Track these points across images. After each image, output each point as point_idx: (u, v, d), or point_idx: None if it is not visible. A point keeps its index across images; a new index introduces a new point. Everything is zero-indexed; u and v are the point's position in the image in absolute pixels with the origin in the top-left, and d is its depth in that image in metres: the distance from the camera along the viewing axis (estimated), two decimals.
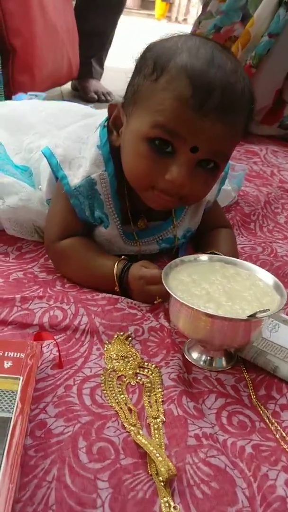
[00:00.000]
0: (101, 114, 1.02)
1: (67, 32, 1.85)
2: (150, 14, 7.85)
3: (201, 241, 0.88)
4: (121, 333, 0.66)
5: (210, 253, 0.76)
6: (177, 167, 0.65)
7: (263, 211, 1.11)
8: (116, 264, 0.73)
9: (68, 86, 2.24)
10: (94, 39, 2.00)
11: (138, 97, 0.67)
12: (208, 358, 0.64)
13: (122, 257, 0.76)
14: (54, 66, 1.82)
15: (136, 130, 0.67)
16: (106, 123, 0.76)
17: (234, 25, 1.68)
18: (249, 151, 1.54)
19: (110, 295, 0.73)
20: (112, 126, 0.74)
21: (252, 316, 0.56)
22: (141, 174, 0.69)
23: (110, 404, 0.56)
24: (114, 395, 0.57)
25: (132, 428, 0.53)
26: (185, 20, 8.86)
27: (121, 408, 0.56)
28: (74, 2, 2.03)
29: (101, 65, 2.18)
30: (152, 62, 0.65)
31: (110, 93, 2.17)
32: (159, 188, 0.68)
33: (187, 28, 2.09)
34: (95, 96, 2.08)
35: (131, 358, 0.63)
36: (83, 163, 0.76)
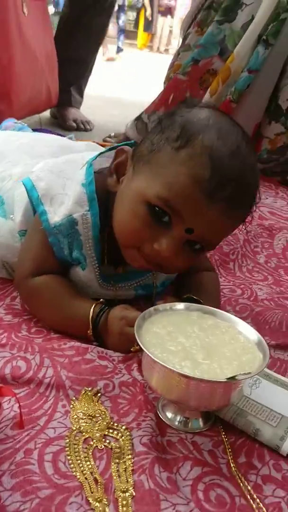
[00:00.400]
0: (79, 146, 0.99)
1: (46, 59, 1.83)
2: (133, 43, 7.99)
3: (182, 284, 0.83)
4: (90, 388, 0.61)
5: (187, 298, 0.72)
6: (168, 241, 0.63)
7: (242, 250, 1.08)
8: (93, 307, 0.69)
9: (47, 113, 2.21)
10: (74, 67, 1.99)
11: (153, 157, 0.64)
12: (184, 418, 0.59)
13: (100, 300, 0.71)
14: (33, 93, 1.79)
15: (140, 189, 0.65)
16: (93, 161, 0.74)
17: (213, 58, 1.69)
18: None
19: (79, 344, 0.67)
20: (114, 170, 0.71)
21: (232, 378, 0.51)
22: (131, 233, 0.67)
23: (74, 473, 0.50)
24: (79, 461, 0.52)
25: (98, 504, 0.47)
26: (166, 50, 9.06)
27: (86, 478, 0.50)
28: (54, 30, 2.02)
29: (81, 93, 2.16)
30: (180, 128, 0.63)
31: (89, 122, 2.15)
32: (143, 251, 0.66)
33: (169, 58, 2.09)
34: (74, 125, 2.06)
35: (100, 417, 0.57)
36: (66, 200, 0.72)
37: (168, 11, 10.03)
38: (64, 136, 1.84)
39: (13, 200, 0.82)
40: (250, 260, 1.06)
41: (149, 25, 8.00)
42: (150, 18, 7.72)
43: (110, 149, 0.77)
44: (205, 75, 1.72)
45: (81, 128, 2.08)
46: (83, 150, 0.93)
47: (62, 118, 2.08)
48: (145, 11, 8.04)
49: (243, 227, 0.71)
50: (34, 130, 1.73)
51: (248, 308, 0.85)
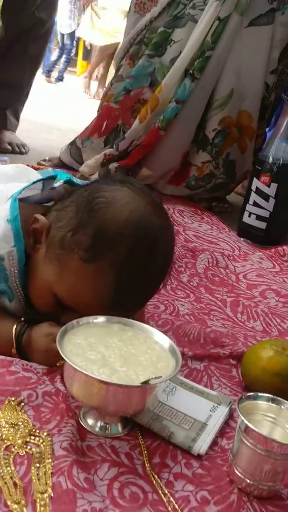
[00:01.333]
0: (8, 169, 1.01)
1: None
2: (72, 71, 8.10)
3: None
4: (13, 398, 0.63)
5: None
6: (72, 316, 0.67)
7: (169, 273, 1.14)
8: (15, 326, 0.71)
9: None
10: (9, 91, 2.01)
11: (64, 257, 0.68)
12: (103, 424, 0.62)
13: (22, 319, 0.73)
14: None
15: (49, 282, 0.69)
16: (18, 196, 0.74)
17: (143, 88, 1.79)
18: None
19: (4, 357, 0.69)
20: (31, 232, 0.72)
21: (146, 382, 0.56)
22: (39, 306, 0.73)
23: None
24: None
25: (16, 506, 0.49)
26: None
27: (5, 483, 0.52)
28: None
29: (17, 117, 2.18)
30: (92, 239, 0.66)
31: (25, 145, 2.17)
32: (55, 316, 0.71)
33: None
34: (9, 147, 2.07)
35: (22, 425, 0.60)
36: None
37: None
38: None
39: None
40: (174, 279, 1.12)
41: (88, 54, 8.14)
42: (89, 47, 7.86)
43: (34, 183, 0.79)
44: (136, 105, 1.81)
45: (16, 151, 2.10)
46: (12, 173, 0.95)
47: None
48: (84, 40, 8.19)
49: None
50: None
51: (170, 322, 0.90)
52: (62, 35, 6.86)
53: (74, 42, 7.23)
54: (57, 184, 0.78)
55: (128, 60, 1.82)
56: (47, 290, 0.70)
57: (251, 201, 1.55)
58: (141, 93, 1.79)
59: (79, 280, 0.66)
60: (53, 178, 0.79)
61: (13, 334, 0.70)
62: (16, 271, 0.72)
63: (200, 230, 1.49)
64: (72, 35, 6.93)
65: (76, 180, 0.81)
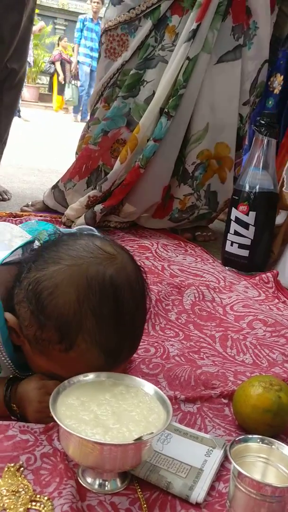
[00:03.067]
0: None
1: None
2: (48, 106, 8.24)
3: None
4: (12, 464, 0.64)
5: None
6: None
7: (154, 310, 1.17)
8: (5, 387, 0.73)
9: None
10: None
11: (45, 351, 0.70)
12: (102, 481, 0.64)
13: (10, 376, 0.75)
14: None
15: (44, 366, 0.72)
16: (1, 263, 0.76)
17: (121, 129, 1.84)
18: (141, 246, 1.62)
19: (1, 422, 0.71)
20: (10, 329, 0.73)
21: (139, 439, 0.58)
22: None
23: None
24: None
25: None
26: (80, 110, 9.35)
27: None
28: None
29: None
30: (55, 330, 0.68)
31: (7, 191, 2.21)
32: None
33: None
34: None
35: (23, 492, 0.61)
36: None
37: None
38: None
39: None
40: (162, 318, 1.15)
41: (62, 89, 8.31)
42: (63, 82, 8.02)
43: (12, 252, 0.79)
44: (114, 144, 1.87)
45: None
46: None
47: None
48: (58, 75, 8.37)
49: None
50: None
51: (160, 366, 0.93)
52: None
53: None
54: (36, 246, 0.80)
55: (103, 103, 1.88)
56: (45, 370, 0.73)
57: (232, 231, 1.59)
58: (119, 133, 1.85)
59: (70, 364, 0.69)
60: (32, 242, 0.82)
61: (3, 394, 0.72)
62: (0, 344, 0.73)
63: (185, 264, 1.52)
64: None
65: (56, 231, 0.83)
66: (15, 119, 2.24)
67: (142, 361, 0.94)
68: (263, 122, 1.58)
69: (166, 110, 1.75)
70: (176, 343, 1.04)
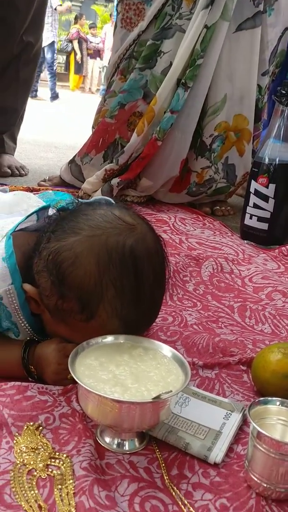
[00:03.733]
0: (6, 198, 1.03)
1: None
2: (65, 85, 8.18)
3: None
4: (31, 423, 0.65)
5: None
6: None
7: (172, 280, 1.16)
8: (22, 349, 0.73)
9: None
10: (5, 116, 2.05)
11: (65, 320, 0.71)
12: (120, 441, 0.64)
13: (27, 339, 0.75)
14: None
15: (64, 335, 0.73)
16: (11, 234, 0.76)
17: (137, 101, 1.82)
18: (159, 220, 1.61)
19: (20, 383, 0.71)
20: (29, 299, 0.74)
21: (157, 398, 0.58)
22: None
23: (19, 503, 0.54)
24: (23, 492, 0.56)
25: None
26: (97, 90, 9.30)
27: (30, 506, 0.54)
28: None
29: (14, 140, 2.23)
30: (76, 300, 0.68)
31: (24, 167, 2.21)
32: None
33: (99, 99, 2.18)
34: (9, 171, 2.11)
35: (42, 449, 0.62)
36: None
37: (97, 53, 10.41)
38: (0, 184, 1.90)
39: None
40: (180, 289, 1.14)
41: (79, 68, 8.22)
42: (80, 61, 7.94)
43: (27, 217, 0.80)
44: (131, 117, 1.84)
45: (15, 174, 2.14)
46: (10, 202, 0.97)
47: None
48: (75, 54, 8.28)
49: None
50: None
51: (178, 334, 0.92)
52: (42, 48, 6.96)
53: (55, 54, 7.27)
54: (51, 213, 0.80)
55: (119, 75, 1.86)
56: (65, 339, 0.73)
57: (251, 203, 1.56)
58: (135, 106, 1.82)
59: (91, 333, 0.69)
60: (46, 208, 0.81)
61: (22, 356, 0.73)
62: (18, 307, 0.73)
63: (203, 237, 1.50)
64: (52, 47, 6.97)
65: (72, 201, 0.83)
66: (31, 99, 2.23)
67: (160, 329, 0.94)
68: (284, 92, 1.54)
69: (183, 81, 1.71)
70: (194, 313, 1.04)
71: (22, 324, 0.76)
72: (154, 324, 0.94)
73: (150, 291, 0.72)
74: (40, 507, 0.54)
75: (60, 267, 0.69)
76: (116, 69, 1.87)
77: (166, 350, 0.69)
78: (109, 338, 0.70)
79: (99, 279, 0.68)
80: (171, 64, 1.74)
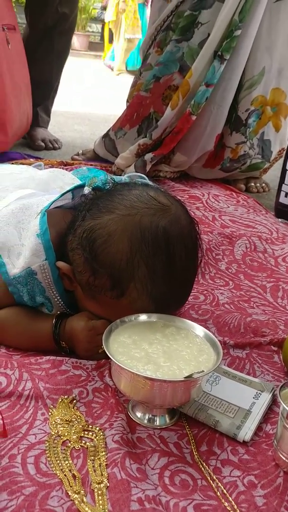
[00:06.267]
0: (43, 175, 1.04)
1: (26, 87, 1.91)
2: (98, 55, 8.07)
3: None
4: (66, 396, 0.67)
5: None
6: None
7: (205, 259, 1.16)
8: (54, 323, 0.76)
9: None
10: (40, 88, 2.05)
11: (96, 297, 0.72)
12: (151, 416, 0.66)
13: (58, 313, 0.77)
14: (20, 122, 1.87)
15: (95, 311, 0.75)
16: (46, 211, 0.77)
17: (173, 74, 1.78)
18: (192, 196, 1.60)
19: (54, 357, 0.74)
20: (63, 276, 0.75)
21: (189, 377, 0.59)
22: None
23: (54, 471, 0.57)
24: (58, 461, 0.58)
25: (76, 496, 0.54)
26: None
27: (65, 475, 0.56)
28: None
29: (48, 113, 2.22)
30: (108, 277, 0.69)
31: (58, 140, 2.21)
32: None
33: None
34: (42, 144, 2.12)
35: (76, 421, 0.64)
36: (23, 251, 0.75)
37: None
38: (34, 156, 1.91)
39: None
40: (212, 268, 1.14)
41: (112, 38, 8.07)
42: (113, 30, 7.78)
43: (62, 195, 0.81)
44: (166, 91, 1.81)
45: (49, 147, 2.14)
46: (46, 179, 0.98)
47: (30, 139, 2.13)
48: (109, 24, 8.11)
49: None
50: (2, 155, 1.80)
51: (210, 312, 0.93)
52: None
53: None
54: (86, 192, 0.81)
55: (156, 47, 1.82)
56: (96, 315, 0.75)
57: (286, 181, 1.53)
58: (171, 79, 1.79)
59: (121, 310, 0.70)
60: (82, 186, 0.82)
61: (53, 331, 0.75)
62: (51, 282, 0.75)
63: (236, 215, 1.49)
64: None
65: (109, 177, 0.83)
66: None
67: (191, 307, 0.95)
68: None
69: (219, 53, 1.66)
70: (226, 292, 1.04)
71: (56, 299, 0.77)
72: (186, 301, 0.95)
73: (181, 272, 0.72)
74: (74, 476, 0.56)
75: (94, 244, 0.70)
76: (153, 41, 1.83)
77: (199, 329, 0.70)
78: (142, 317, 0.71)
79: (131, 258, 0.68)
80: (208, 35, 1.69)
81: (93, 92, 4.77)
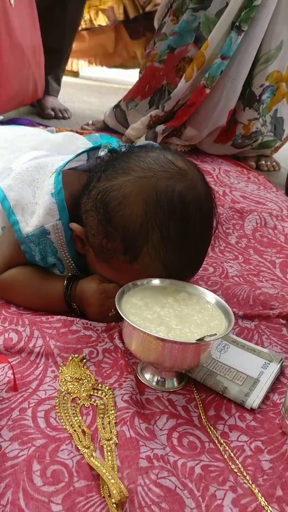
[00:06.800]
0: (57, 138, 1.03)
1: (33, 52, 1.86)
2: None
3: None
4: (76, 355, 0.68)
5: None
6: None
7: (215, 232, 1.15)
8: (65, 284, 0.75)
9: None
10: (51, 56, 2.01)
11: (109, 260, 0.71)
12: (160, 379, 0.66)
13: (69, 274, 0.77)
14: (20, 87, 1.83)
15: (107, 275, 0.74)
16: (61, 170, 0.76)
17: (188, 46, 1.74)
18: (202, 171, 1.57)
19: (65, 317, 0.74)
20: (75, 238, 0.75)
21: (201, 340, 0.59)
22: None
23: (64, 426, 0.57)
24: (68, 417, 0.59)
25: (86, 450, 0.54)
26: None
27: (75, 430, 0.57)
28: None
29: (58, 82, 2.19)
30: (121, 240, 0.68)
31: (67, 110, 2.18)
32: None
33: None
34: (52, 113, 2.09)
35: (86, 380, 0.64)
36: (37, 210, 0.75)
37: None
38: (43, 125, 1.89)
39: None
40: (222, 241, 1.13)
41: None
42: None
43: (78, 155, 0.80)
44: (180, 63, 1.78)
45: (59, 116, 2.12)
46: (60, 141, 0.97)
47: (40, 107, 2.11)
48: None
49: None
50: (12, 120, 1.77)
51: (219, 284, 0.92)
52: None
53: None
54: (102, 153, 0.79)
55: (171, 16, 1.78)
56: (107, 279, 0.74)
57: None
58: (186, 50, 1.75)
59: (132, 275, 0.69)
60: (97, 147, 0.81)
61: (64, 292, 0.75)
62: (64, 243, 0.75)
63: (247, 191, 1.48)
64: None
65: (121, 144, 0.82)
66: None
67: (200, 278, 0.95)
68: None
69: (237, 24, 1.62)
70: (235, 265, 1.04)
71: (67, 261, 0.77)
72: None
73: (195, 239, 0.71)
74: (83, 432, 0.57)
75: (108, 206, 0.69)
76: (169, 9, 1.79)
77: (210, 296, 0.70)
78: (154, 281, 0.71)
79: (145, 221, 0.67)
80: (227, 5, 1.65)
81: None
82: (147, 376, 0.67)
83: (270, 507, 0.51)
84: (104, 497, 0.50)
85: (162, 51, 1.78)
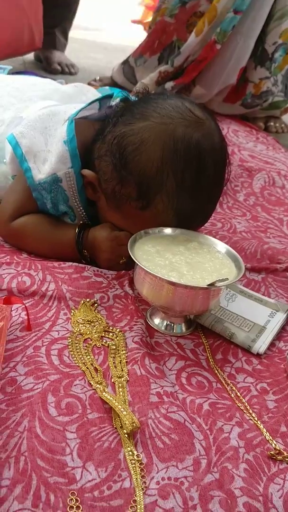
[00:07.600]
0: (68, 88, 1.02)
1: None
2: None
3: None
4: (87, 300, 0.69)
5: None
6: None
7: (226, 184, 1.15)
8: (76, 232, 0.76)
9: (31, 56, 2.18)
10: (58, 9, 1.95)
11: (121, 207, 0.71)
12: (169, 323, 0.68)
13: (81, 222, 0.78)
14: (13, 34, 1.76)
15: (117, 223, 0.74)
16: (74, 118, 0.75)
17: (200, 0, 1.69)
18: None
19: (77, 264, 0.75)
20: (87, 185, 0.75)
21: (211, 285, 0.60)
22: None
23: (77, 364, 0.59)
24: (80, 356, 0.61)
25: (98, 386, 0.56)
26: None
27: (87, 368, 0.59)
28: None
29: (65, 36, 2.14)
30: (135, 186, 0.68)
31: (74, 65, 2.14)
32: None
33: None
34: (59, 68, 2.05)
35: (97, 322, 0.66)
36: (49, 157, 0.75)
37: None
38: (51, 78, 1.85)
39: (4, 145, 0.83)
40: (230, 198, 1.13)
41: None
42: None
43: (90, 103, 0.79)
44: (192, 18, 1.73)
45: (65, 71, 2.08)
46: (71, 92, 0.95)
47: (46, 61, 2.06)
48: None
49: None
50: (18, 73, 1.73)
51: (227, 238, 0.93)
52: None
53: None
54: (114, 102, 0.79)
55: None
56: (117, 226, 0.75)
57: None
58: (198, 5, 1.70)
59: (143, 223, 0.70)
60: (109, 97, 0.80)
61: (76, 239, 0.76)
62: (75, 191, 0.75)
63: (256, 150, 1.47)
64: None
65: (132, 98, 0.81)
66: None
67: (209, 233, 0.95)
68: None
69: None
70: (243, 222, 1.04)
71: (78, 209, 0.78)
72: (203, 227, 0.96)
73: (208, 188, 0.72)
74: (96, 369, 0.59)
75: (124, 150, 0.69)
76: None
77: (221, 246, 0.71)
78: (166, 230, 0.71)
79: (161, 168, 0.68)
80: None
81: (109, 20, 4.56)
82: (157, 321, 0.69)
83: (274, 441, 0.53)
84: (116, 428, 0.52)
85: (173, 5, 1.73)
